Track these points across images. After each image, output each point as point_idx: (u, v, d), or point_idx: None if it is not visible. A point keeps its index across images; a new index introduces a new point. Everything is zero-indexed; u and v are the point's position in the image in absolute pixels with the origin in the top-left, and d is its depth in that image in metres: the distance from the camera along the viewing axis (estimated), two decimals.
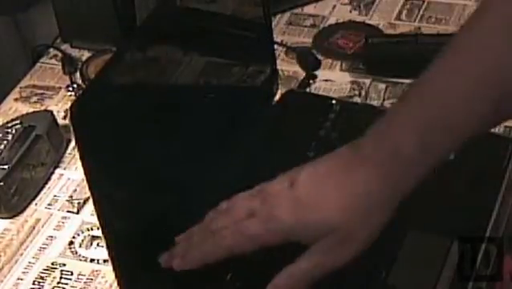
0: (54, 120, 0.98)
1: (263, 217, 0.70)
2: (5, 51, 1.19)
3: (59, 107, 1.06)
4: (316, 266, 0.69)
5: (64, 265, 0.86)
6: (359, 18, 1.17)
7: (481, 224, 0.80)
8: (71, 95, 1.08)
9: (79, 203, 0.92)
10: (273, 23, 1.06)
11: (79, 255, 0.87)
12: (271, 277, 0.70)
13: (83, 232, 0.89)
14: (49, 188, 0.95)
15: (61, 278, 0.85)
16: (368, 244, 0.68)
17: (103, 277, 0.84)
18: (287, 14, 1.19)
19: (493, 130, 0.79)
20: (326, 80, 1.06)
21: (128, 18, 1.11)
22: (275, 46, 1.04)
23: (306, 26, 1.17)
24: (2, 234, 0.90)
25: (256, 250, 0.70)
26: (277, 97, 0.99)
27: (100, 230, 0.70)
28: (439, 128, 0.66)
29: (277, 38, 1.10)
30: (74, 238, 0.89)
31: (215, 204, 0.75)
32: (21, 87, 1.10)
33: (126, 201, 0.71)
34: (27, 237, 0.89)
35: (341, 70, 1.08)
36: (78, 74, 1.11)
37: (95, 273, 0.85)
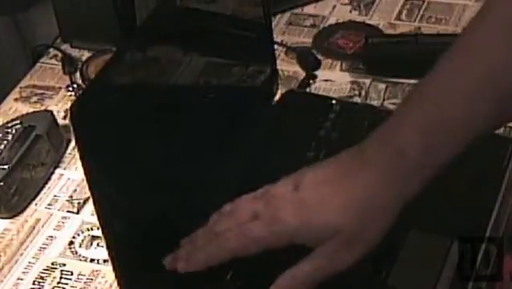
0: (54, 120, 0.98)
1: (267, 219, 0.70)
2: (5, 51, 1.19)
3: (59, 107, 1.06)
4: (319, 269, 0.69)
5: (64, 265, 0.86)
6: (359, 18, 1.17)
7: (481, 224, 0.80)
8: (71, 95, 1.08)
9: (79, 203, 0.92)
10: (273, 23, 1.06)
11: (79, 255, 0.87)
12: (271, 276, 0.70)
13: (83, 232, 0.89)
14: (49, 188, 0.95)
15: (61, 278, 0.84)
16: (372, 247, 0.68)
17: (103, 277, 0.84)
18: (287, 14, 1.19)
19: None
20: (326, 80, 1.06)
21: (128, 18, 1.10)
22: (275, 46, 1.04)
23: (306, 26, 1.17)
24: (2, 234, 0.90)
25: (260, 252, 0.70)
26: (277, 97, 0.99)
27: (100, 230, 0.70)
28: (442, 130, 0.66)
29: (277, 38, 1.10)
30: (74, 238, 0.89)
31: (215, 203, 0.75)
32: (21, 87, 1.10)
33: (126, 201, 0.71)
34: (27, 237, 0.89)
35: (341, 70, 1.08)
36: (78, 74, 1.11)
37: (95, 273, 0.85)
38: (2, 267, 0.86)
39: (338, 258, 0.69)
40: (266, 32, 0.95)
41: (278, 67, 1.01)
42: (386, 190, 0.68)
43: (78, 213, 0.92)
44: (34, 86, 1.10)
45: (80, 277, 0.84)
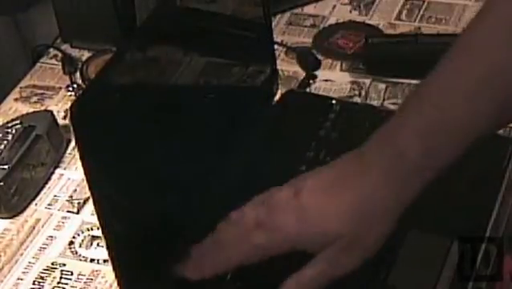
0: (54, 120, 0.98)
1: (268, 227, 0.70)
2: (5, 51, 1.19)
3: (59, 107, 1.06)
4: (322, 274, 0.70)
5: (64, 265, 0.86)
6: (359, 18, 1.17)
7: (481, 224, 0.80)
8: (71, 95, 1.08)
9: (79, 203, 0.92)
10: (273, 23, 1.06)
11: (79, 255, 0.87)
12: (271, 277, 0.71)
13: (83, 232, 0.89)
14: (49, 188, 0.95)
15: (61, 278, 0.84)
16: (374, 251, 0.69)
17: (103, 277, 0.84)
18: (287, 14, 1.19)
19: None
20: (326, 80, 1.06)
21: (128, 18, 1.10)
22: (275, 46, 1.04)
23: (306, 26, 1.17)
24: (2, 234, 0.90)
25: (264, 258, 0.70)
26: (277, 97, 0.99)
27: (100, 230, 0.70)
28: (442, 132, 0.66)
29: (277, 38, 1.10)
30: (74, 238, 0.89)
31: (215, 204, 0.75)
32: (21, 87, 1.10)
33: (126, 201, 0.71)
34: (27, 237, 0.89)
35: (341, 70, 1.08)
36: (78, 74, 1.11)
37: (95, 273, 0.85)
38: (2, 267, 0.86)
39: (339, 264, 0.69)
40: (266, 32, 0.95)
41: (278, 67, 1.00)
42: (387, 193, 0.67)
43: (78, 213, 0.92)
44: (34, 86, 1.10)
45: (80, 277, 0.84)
